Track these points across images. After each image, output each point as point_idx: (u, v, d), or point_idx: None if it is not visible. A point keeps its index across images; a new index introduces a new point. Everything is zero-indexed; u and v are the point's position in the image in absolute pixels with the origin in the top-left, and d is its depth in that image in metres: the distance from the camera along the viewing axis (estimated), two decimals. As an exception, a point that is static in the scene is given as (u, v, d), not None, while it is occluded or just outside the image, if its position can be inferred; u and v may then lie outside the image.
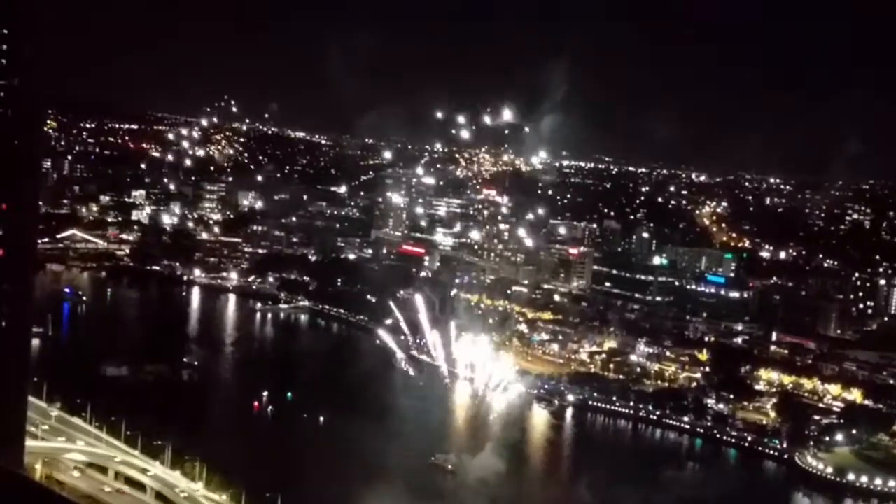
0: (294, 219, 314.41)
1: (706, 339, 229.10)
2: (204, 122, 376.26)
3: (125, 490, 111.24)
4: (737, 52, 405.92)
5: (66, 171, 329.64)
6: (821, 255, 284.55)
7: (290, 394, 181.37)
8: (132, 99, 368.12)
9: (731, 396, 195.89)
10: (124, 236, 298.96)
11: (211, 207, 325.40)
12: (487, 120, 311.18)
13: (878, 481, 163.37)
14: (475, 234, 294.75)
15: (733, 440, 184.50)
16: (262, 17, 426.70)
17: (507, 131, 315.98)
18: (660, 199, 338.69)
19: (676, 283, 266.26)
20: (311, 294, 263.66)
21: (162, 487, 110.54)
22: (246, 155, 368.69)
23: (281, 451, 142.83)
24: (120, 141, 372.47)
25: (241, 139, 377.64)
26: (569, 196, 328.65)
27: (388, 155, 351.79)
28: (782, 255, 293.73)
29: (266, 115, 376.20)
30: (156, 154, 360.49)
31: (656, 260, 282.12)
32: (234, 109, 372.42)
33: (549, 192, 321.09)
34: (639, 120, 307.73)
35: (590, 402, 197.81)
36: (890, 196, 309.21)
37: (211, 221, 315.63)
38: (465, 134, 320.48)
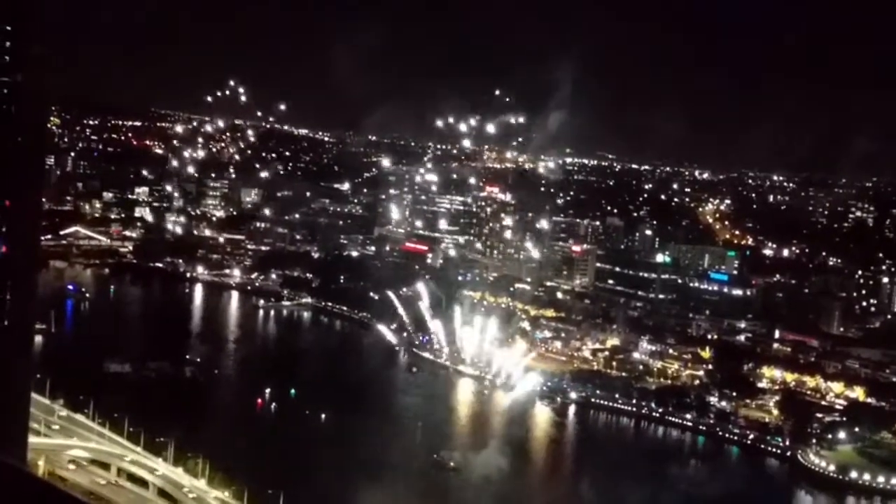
0: (297, 216, 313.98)
1: (709, 336, 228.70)
2: (207, 120, 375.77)
3: (124, 485, 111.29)
4: (740, 50, 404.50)
5: (69, 168, 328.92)
6: (824, 253, 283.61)
7: (293, 391, 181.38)
8: (135, 96, 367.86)
9: (734, 394, 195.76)
10: (127, 233, 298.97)
11: (214, 204, 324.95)
12: (491, 117, 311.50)
13: (881, 479, 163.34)
14: (478, 232, 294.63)
15: (736, 438, 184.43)
16: (265, 13, 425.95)
17: (510, 129, 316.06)
18: (663, 197, 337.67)
19: (679, 281, 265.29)
20: (314, 291, 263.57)
21: (166, 485, 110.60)
22: (249, 152, 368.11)
23: (284, 448, 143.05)
24: (123, 138, 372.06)
25: (245, 136, 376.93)
26: (572, 193, 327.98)
27: (391, 152, 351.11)
28: (785, 252, 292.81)
29: (270, 113, 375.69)
30: (159, 151, 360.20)
31: (659, 257, 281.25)
32: (239, 104, 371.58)
33: (553, 190, 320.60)
34: (643, 117, 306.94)
35: (592, 400, 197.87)
36: (894, 194, 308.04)
37: (214, 218, 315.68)
38: (468, 131, 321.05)
